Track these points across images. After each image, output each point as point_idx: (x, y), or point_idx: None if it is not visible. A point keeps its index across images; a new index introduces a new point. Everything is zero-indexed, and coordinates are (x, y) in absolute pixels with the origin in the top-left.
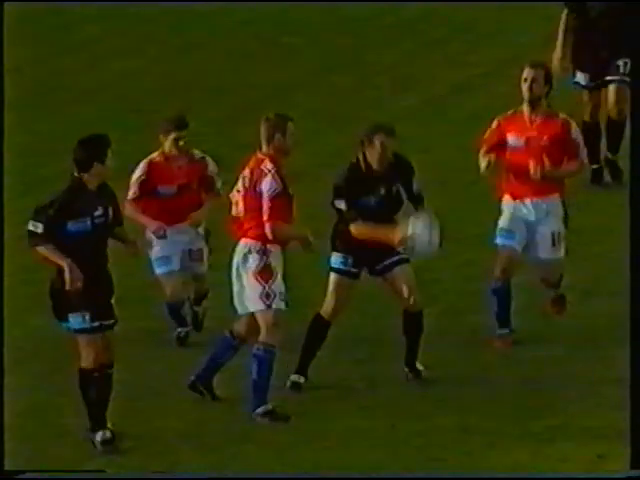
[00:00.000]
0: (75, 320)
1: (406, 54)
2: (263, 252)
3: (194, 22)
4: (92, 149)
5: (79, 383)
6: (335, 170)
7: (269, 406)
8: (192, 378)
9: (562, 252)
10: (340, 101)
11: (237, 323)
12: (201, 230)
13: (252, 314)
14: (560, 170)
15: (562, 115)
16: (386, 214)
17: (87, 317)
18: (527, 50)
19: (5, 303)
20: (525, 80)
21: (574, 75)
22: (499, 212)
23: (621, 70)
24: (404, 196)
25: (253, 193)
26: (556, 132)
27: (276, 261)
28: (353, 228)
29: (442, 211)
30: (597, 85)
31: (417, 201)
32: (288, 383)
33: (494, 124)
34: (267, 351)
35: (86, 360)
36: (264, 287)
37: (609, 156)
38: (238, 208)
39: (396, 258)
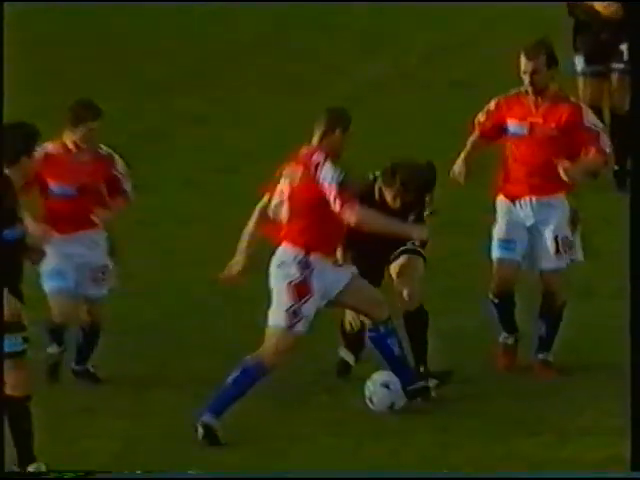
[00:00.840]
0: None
1: (373, 17)
2: (305, 264)
3: None
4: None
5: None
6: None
7: (215, 424)
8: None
9: (562, 263)
10: (300, 66)
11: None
12: (104, 241)
13: None
14: (580, 165)
15: (573, 99)
16: (387, 253)
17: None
18: (509, 12)
19: None
20: (525, 73)
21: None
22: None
23: (623, 57)
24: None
25: (306, 188)
26: (566, 119)
27: (317, 276)
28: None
29: None
30: (597, 72)
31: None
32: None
33: (492, 105)
34: (260, 371)
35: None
36: (293, 304)
37: (615, 168)
38: (281, 210)
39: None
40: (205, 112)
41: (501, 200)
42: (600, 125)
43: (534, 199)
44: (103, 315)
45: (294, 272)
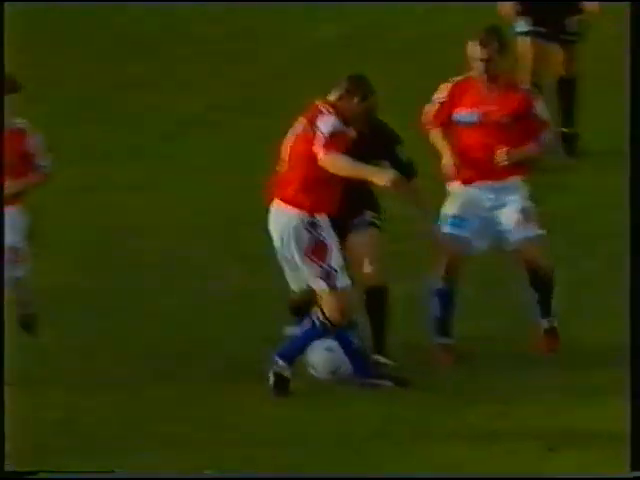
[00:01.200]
0: None
1: None
2: (312, 226)
3: None
4: None
5: None
6: (234, 115)
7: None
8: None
9: (538, 229)
10: (240, 36)
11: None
12: (20, 219)
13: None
14: (519, 152)
15: (525, 87)
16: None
17: None
18: None
19: None
20: (478, 60)
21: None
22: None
23: (568, 28)
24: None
25: (309, 138)
26: (519, 107)
27: (327, 232)
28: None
29: None
30: (543, 34)
31: (406, 172)
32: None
33: (443, 94)
34: (325, 325)
35: None
36: (321, 266)
37: (564, 130)
38: (284, 161)
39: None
40: (150, 79)
41: (455, 184)
42: (546, 115)
43: (491, 183)
44: (43, 283)
45: (305, 237)
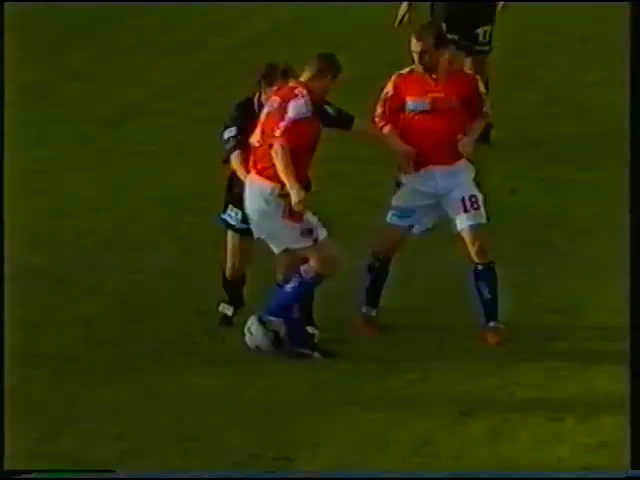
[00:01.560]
0: None
1: None
2: (285, 196)
3: None
4: None
5: None
6: (175, 103)
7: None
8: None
9: (482, 218)
10: (180, 25)
11: (280, 266)
12: None
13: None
14: (475, 132)
15: (467, 71)
16: None
17: None
18: None
19: None
20: (414, 52)
21: None
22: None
23: (480, 39)
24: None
25: (277, 118)
26: (465, 90)
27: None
28: (232, 158)
29: None
30: (454, 42)
31: (343, 123)
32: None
33: (389, 88)
34: (314, 278)
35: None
36: (301, 225)
37: None
38: (255, 137)
39: None
40: (91, 69)
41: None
42: (484, 90)
43: (439, 169)
44: None
45: (280, 207)
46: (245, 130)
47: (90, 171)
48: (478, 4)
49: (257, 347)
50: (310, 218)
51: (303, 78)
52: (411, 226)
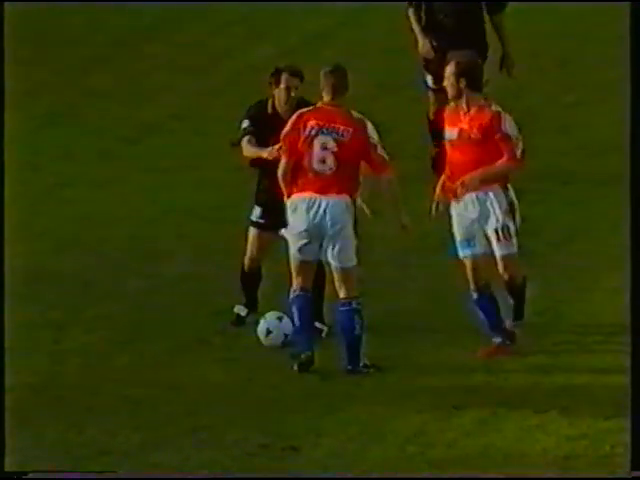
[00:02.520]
0: None
1: (260, 3)
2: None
3: None
4: None
5: None
6: (190, 122)
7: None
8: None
9: (511, 248)
10: (193, 51)
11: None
12: None
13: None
14: (490, 171)
15: (495, 107)
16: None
17: None
18: None
19: None
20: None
21: (424, 75)
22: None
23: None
24: None
25: (364, 146)
26: (486, 124)
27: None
28: (243, 142)
29: None
30: (441, 88)
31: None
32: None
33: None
34: (360, 303)
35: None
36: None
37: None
38: (326, 164)
39: None
40: (111, 89)
41: (451, 200)
42: (516, 133)
43: (472, 195)
44: (22, 264)
45: (350, 220)
46: (257, 124)
47: (111, 184)
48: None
49: (270, 345)
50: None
51: (336, 100)
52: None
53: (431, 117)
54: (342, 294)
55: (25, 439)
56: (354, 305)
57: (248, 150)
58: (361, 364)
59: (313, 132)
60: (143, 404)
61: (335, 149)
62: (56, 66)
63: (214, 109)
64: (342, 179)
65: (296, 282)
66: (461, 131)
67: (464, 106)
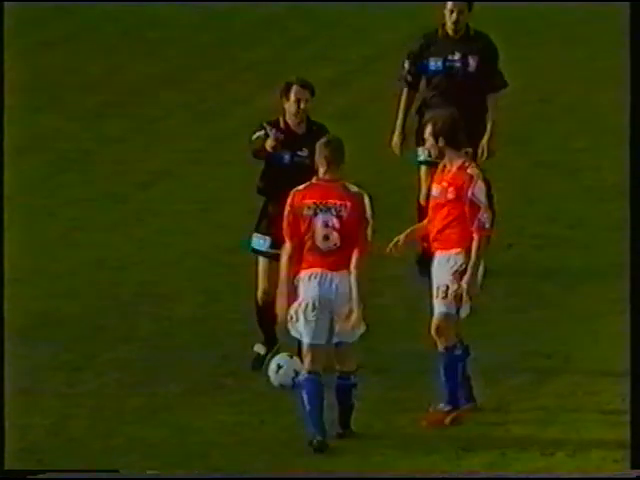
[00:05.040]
0: None
1: (273, 50)
2: None
3: (58, 16)
4: None
5: None
6: (205, 167)
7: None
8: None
9: (447, 308)
10: (207, 97)
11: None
12: None
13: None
14: (474, 260)
15: (471, 170)
16: (303, 179)
17: None
18: (390, 46)
19: None
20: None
21: (416, 151)
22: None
23: (479, 155)
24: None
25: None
26: (460, 186)
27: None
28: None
29: None
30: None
31: None
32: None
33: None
34: (309, 379)
35: None
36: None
37: None
38: (330, 241)
39: None
40: (125, 135)
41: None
42: (483, 200)
43: (439, 253)
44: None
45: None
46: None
47: (125, 227)
48: (471, 120)
49: (281, 385)
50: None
51: (337, 174)
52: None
53: (422, 202)
54: (343, 368)
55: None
56: (352, 380)
57: (255, 141)
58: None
59: (311, 212)
60: (155, 446)
61: (337, 225)
62: (68, 113)
63: (228, 153)
64: (349, 254)
65: (305, 364)
66: (441, 190)
67: (447, 165)
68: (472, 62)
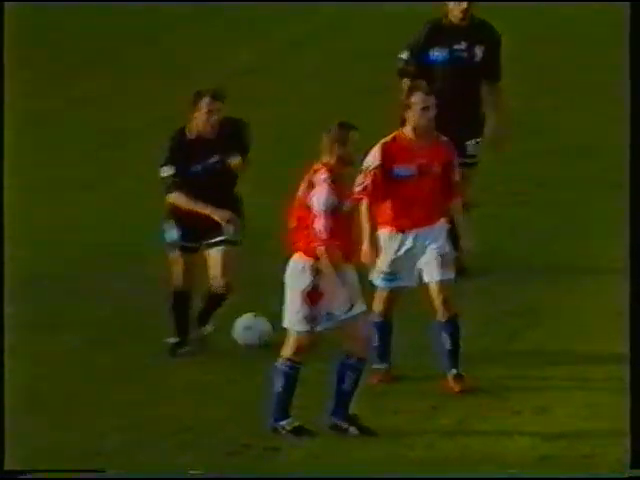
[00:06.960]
0: None
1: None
2: (316, 271)
3: None
4: None
5: None
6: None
7: (295, 422)
8: (331, 420)
9: (449, 275)
10: (180, 55)
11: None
12: None
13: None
14: (459, 219)
15: (443, 138)
16: (217, 184)
17: None
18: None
19: None
20: (421, 108)
21: None
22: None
23: (469, 151)
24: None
25: (305, 204)
26: (445, 156)
27: (325, 282)
28: (171, 198)
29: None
30: None
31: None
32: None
33: (376, 158)
34: (293, 368)
35: None
36: (311, 309)
37: None
38: (291, 219)
39: (219, 239)
40: (97, 95)
41: (387, 230)
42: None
43: (420, 229)
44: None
45: (306, 280)
46: (179, 158)
47: (97, 187)
48: (467, 115)
49: (247, 345)
50: (324, 305)
51: (323, 158)
52: (400, 287)
53: None
54: (351, 349)
55: (11, 440)
56: (354, 362)
57: (188, 204)
58: (344, 422)
59: None
60: (125, 406)
61: None
62: (39, 73)
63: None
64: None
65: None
66: (420, 167)
67: (415, 139)
68: (478, 51)
